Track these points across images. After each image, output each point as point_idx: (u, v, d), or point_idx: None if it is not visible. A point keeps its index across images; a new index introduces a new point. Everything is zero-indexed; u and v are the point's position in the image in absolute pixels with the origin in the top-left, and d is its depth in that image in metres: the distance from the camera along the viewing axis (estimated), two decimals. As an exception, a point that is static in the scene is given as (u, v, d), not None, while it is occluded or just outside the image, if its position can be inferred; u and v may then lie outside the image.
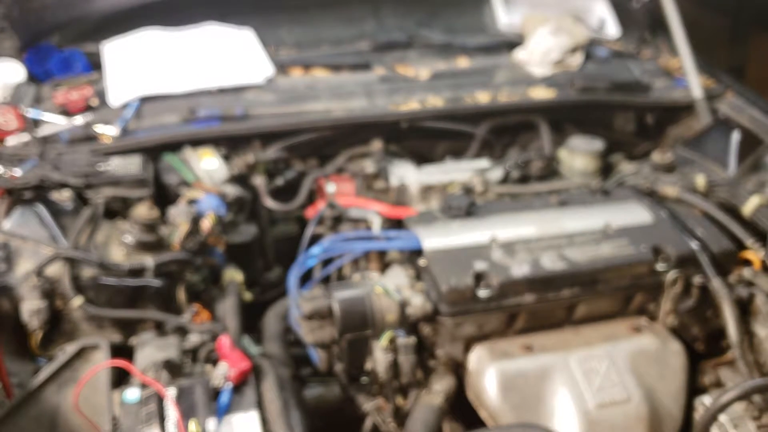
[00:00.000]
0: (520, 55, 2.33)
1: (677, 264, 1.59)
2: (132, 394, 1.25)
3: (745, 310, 1.58)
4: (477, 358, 1.51)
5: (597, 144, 2.05)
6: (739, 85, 2.25)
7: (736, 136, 1.97)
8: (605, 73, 2.25)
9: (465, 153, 2.13)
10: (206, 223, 1.61)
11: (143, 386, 1.26)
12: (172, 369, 1.31)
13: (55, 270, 1.46)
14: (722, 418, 1.41)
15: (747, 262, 1.65)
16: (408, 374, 1.46)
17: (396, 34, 2.43)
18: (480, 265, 1.52)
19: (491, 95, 2.12)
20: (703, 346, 1.65)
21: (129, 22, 2.23)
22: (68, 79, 2.09)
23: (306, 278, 1.64)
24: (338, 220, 1.83)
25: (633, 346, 1.53)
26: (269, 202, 1.90)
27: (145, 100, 1.96)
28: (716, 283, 1.57)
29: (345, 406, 1.56)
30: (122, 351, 1.39)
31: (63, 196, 1.63)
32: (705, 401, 1.49)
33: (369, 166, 1.95)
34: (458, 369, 1.54)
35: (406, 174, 1.99)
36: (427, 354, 1.55)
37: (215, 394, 1.27)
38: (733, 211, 1.75)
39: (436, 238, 1.58)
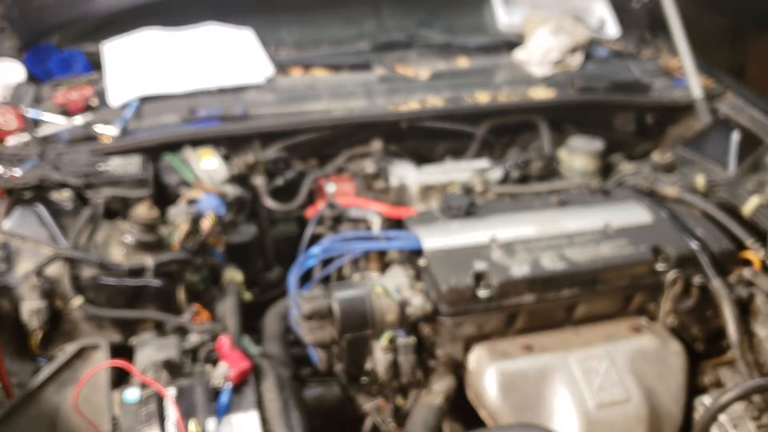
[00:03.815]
0: (520, 55, 2.33)
1: (677, 264, 1.59)
2: (132, 394, 1.25)
3: (745, 310, 1.58)
4: (477, 358, 1.51)
5: (597, 144, 2.05)
6: (739, 85, 2.25)
7: (736, 136, 1.97)
8: (605, 73, 2.25)
9: (465, 153, 2.13)
10: (206, 223, 1.61)
11: (143, 386, 1.26)
12: (172, 369, 1.31)
13: (55, 270, 1.46)
14: (722, 418, 1.41)
15: (747, 262, 1.65)
16: (408, 374, 1.47)
17: (396, 34, 2.43)
18: (480, 265, 1.52)
19: (491, 95, 2.12)
20: (703, 346, 1.65)
21: (129, 22, 2.23)
22: (68, 79, 2.09)
23: (306, 278, 1.64)
24: (338, 220, 1.82)
25: (633, 346, 1.53)
26: (269, 202, 1.89)
27: (145, 100, 1.96)
28: (716, 283, 1.57)
29: (345, 406, 1.56)
30: (122, 351, 1.39)
31: (63, 196, 1.63)
32: (705, 401, 1.49)
33: (369, 166, 1.95)
34: (458, 369, 1.54)
35: (406, 174, 1.99)
36: (427, 354, 1.55)
37: (215, 394, 1.27)
38: (733, 211, 1.75)
39: (436, 238, 1.58)
